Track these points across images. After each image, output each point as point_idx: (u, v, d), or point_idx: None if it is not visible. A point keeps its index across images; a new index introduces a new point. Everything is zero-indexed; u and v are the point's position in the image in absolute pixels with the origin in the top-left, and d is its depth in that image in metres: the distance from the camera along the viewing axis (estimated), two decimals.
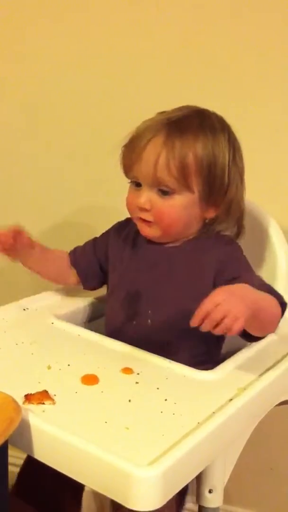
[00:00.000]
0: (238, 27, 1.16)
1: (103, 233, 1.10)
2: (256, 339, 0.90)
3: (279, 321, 0.88)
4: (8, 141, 1.44)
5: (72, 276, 1.09)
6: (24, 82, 1.38)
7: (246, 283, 0.84)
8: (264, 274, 1.04)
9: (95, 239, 1.10)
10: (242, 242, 1.01)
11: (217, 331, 0.76)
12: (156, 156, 0.90)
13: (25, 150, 1.42)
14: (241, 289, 0.81)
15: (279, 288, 1.01)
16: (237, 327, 0.75)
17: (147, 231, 0.97)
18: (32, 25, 1.34)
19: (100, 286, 1.09)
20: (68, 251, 1.11)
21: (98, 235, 1.11)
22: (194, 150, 0.90)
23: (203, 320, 0.76)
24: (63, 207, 1.41)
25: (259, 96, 1.17)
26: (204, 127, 0.93)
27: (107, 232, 1.09)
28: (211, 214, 0.96)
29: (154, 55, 1.24)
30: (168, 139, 0.90)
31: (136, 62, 1.26)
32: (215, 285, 0.91)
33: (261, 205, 1.07)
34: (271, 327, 0.88)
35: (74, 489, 1.03)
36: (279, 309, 0.87)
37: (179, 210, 0.93)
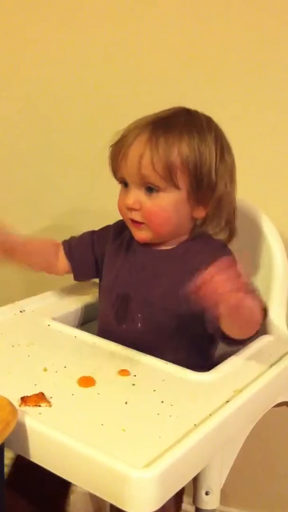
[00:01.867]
0: (236, 27, 1.17)
1: (103, 228, 1.09)
2: (236, 343, 0.90)
3: (258, 327, 0.87)
4: (8, 140, 1.44)
5: (60, 265, 1.08)
6: (24, 81, 1.39)
7: None
8: (260, 274, 1.04)
9: (94, 232, 1.09)
10: (238, 243, 1.01)
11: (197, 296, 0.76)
12: (140, 153, 0.91)
13: (24, 150, 1.42)
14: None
15: (275, 287, 1.02)
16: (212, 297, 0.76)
17: (139, 235, 0.97)
18: (32, 25, 1.35)
19: (90, 279, 1.09)
20: (60, 241, 1.10)
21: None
22: (179, 147, 0.90)
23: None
24: (61, 207, 1.41)
25: (255, 95, 1.17)
26: (189, 125, 0.93)
27: (107, 229, 1.08)
28: (200, 213, 0.96)
29: (154, 58, 1.25)
30: (152, 136, 0.91)
31: (136, 62, 1.26)
32: None
33: (256, 205, 1.07)
34: (250, 330, 0.87)
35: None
36: (258, 314, 0.86)
37: (167, 208, 0.93)
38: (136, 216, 0.95)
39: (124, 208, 0.96)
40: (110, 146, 0.96)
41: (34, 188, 1.44)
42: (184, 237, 0.98)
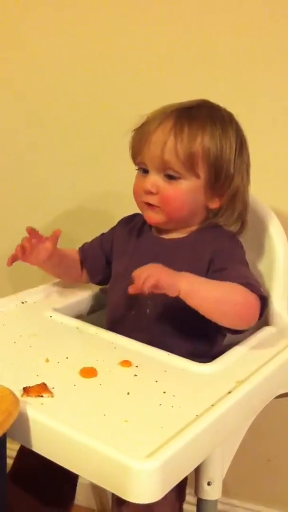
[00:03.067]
0: (239, 22, 1.16)
1: (110, 229, 1.11)
2: (238, 332, 0.91)
3: (252, 315, 0.88)
4: (8, 139, 1.43)
5: (84, 273, 1.11)
6: (24, 81, 1.38)
7: (229, 275, 0.89)
8: (262, 265, 1.04)
9: (103, 234, 1.12)
10: (240, 236, 1.01)
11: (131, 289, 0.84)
12: (165, 140, 0.92)
13: (22, 148, 1.42)
14: (176, 272, 0.86)
15: (277, 278, 1.02)
16: (146, 284, 0.83)
17: (152, 216, 0.98)
18: (32, 24, 1.34)
19: (108, 280, 1.09)
20: (77, 248, 1.12)
21: (107, 226, 1.12)
22: (202, 136, 0.92)
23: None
24: (64, 204, 1.41)
25: (264, 91, 1.16)
26: (213, 117, 0.95)
27: (114, 227, 1.11)
28: (215, 204, 0.97)
29: (155, 54, 1.23)
30: (177, 123, 0.93)
31: (136, 60, 1.25)
32: (207, 276, 0.92)
33: (260, 198, 1.07)
34: (241, 320, 0.89)
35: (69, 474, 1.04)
36: (252, 303, 0.87)
37: (185, 194, 0.94)
38: (152, 199, 0.96)
39: (140, 191, 0.97)
40: (133, 131, 0.98)
41: (33, 187, 1.43)
42: (195, 227, 0.99)
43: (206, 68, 1.19)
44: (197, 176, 0.93)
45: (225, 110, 0.98)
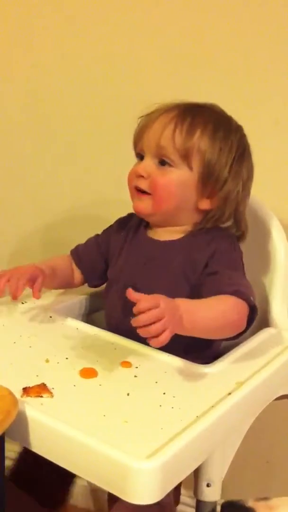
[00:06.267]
0: (239, 20, 1.16)
1: (105, 229, 1.10)
2: (231, 339, 0.91)
3: (243, 324, 0.88)
4: (8, 136, 1.43)
5: (76, 277, 1.09)
6: (24, 79, 1.38)
7: (220, 281, 0.89)
8: (262, 267, 1.04)
9: (97, 235, 1.10)
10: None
11: (142, 333, 0.77)
12: (164, 125, 0.93)
13: (24, 146, 1.42)
14: (183, 306, 0.82)
15: (278, 280, 1.01)
16: (162, 338, 0.77)
17: (139, 205, 0.97)
18: (33, 25, 1.34)
19: (105, 283, 1.08)
20: (69, 252, 1.10)
21: (97, 232, 1.11)
22: (202, 132, 0.92)
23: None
24: (62, 202, 1.41)
25: (264, 92, 1.17)
26: (219, 120, 0.95)
27: (109, 227, 1.09)
28: (205, 205, 0.96)
29: (155, 53, 1.23)
30: (180, 115, 0.93)
31: (137, 58, 1.25)
32: (200, 279, 0.92)
33: (262, 200, 1.07)
34: (232, 330, 0.88)
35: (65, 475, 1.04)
36: (241, 313, 0.87)
37: (174, 184, 0.93)
38: (142, 183, 0.95)
39: (133, 175, 0.97)
40: (138, 118, 0.98)
41: (34, 184, 1.43)
42: (189, 228, 0.98)
43: (206, 68, 1.19)
44: (190, 168, 0.93)
45: (234, 121, 0.98)
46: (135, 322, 0.77)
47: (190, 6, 1.19)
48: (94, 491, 1.45)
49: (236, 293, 0.87)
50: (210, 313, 0.86)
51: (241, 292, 0.87)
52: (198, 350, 0.95)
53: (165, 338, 0.77)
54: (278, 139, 1.17)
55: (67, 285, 1.09)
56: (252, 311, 0.88)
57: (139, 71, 1.25)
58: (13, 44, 1.38)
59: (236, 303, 0.87)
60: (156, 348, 0.88)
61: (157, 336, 0.77)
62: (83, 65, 1.31)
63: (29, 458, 1.00)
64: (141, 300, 0.78)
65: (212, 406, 0.75)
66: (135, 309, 0.78)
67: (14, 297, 0.94)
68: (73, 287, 1.10)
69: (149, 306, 0.77)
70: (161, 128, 0.93)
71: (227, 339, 0.91)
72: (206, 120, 0.94)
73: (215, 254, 0.94)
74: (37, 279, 0.96)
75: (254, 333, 0.96)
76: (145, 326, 0.77)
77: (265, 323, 1.01)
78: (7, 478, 1.01)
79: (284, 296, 1.02)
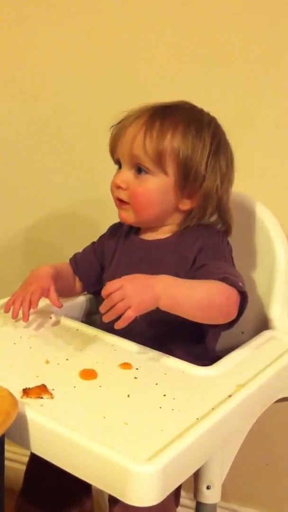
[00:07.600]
0: (240, 21, 1.16)
1: (100, 236, 1.11)
2: (223, 327, 0.91)
3: (233, 310, 0.88)
4: (7, 135, 1.43)
5: (77, 284, 1.10)
6: (24, 78, 1.38)
7: (208, 271, 0.89)
8: (262, 269, 1.04)
9: (94, 243, 1.11)
10: (241, 238, 1.01)
11: (105, 319, 0.81)
12: (135, 134, 0.93)
13: (22, 146, 1.42)
14: (152, 280, 0.84)
15: (278, 282, 1.01)
16: (125, 316, 0.80)
17: (122, 214, 0.98)
18: (32, 26, 1.34)
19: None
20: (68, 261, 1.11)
21: (95, 232, 1.11)
22: (173, 134, 0.92)
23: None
24: (61, 201, 1.41)
25: (258, 91, 1.16)
26: (189, 117, 0.95)
27: (104, 234, 1.11)
28: (186, 205, 0.96)
29: (154, 53, 1.23)
30: (149, 119, 0.93)
31: (137, 58, 1.25)
32: (190, 275, 0.92)
33: (260, 201, 1.07)
34: (221, 314, 0.88)
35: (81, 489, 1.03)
36: (231, 299, 0.87)
37: (152, 192, 0.94)
38: (122, 194, 0.96)
39: (113, 186, 0.98)
40: (111, 127, 0.98)
41: (33, 184, 1.43)
42: (175, 227, 0.99)
43: (206, 69, 1.19)
44: (165, 174, 0.93)
45: (206, 114, 0.98)
46: (101, 309, 0.80)
47: (190, 6, 1.18)
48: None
49: (224, 279, 0.87)
50: (194, 291, 0.86)
51: (229, 278, 0.88)
52: (198, 351, 0.95)
53: (127, 316, 0.80)
54: (278, 142, 1.17)
55: (69, 290, 1.09)
56: (243, 299, 0.88)
57: (139, 71, 1.25)
58: (13, 44, 1.37)
59: (224, 288, 0.87)
60: (156, 350, 0.88)
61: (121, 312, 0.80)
62: (83, 65, 1.31)
63: (36, 472, 1.00)
64: (106, 286, 0.81)
65: (213, 409, 0.75)
66: (102, 293, 0.81)
67: (24, 320, 0.95)
68: (75, 295, 1.10)
69: (111, 289, 0.80)
70: (132, 137, 0.94)
71: (219, 328, 0.91)
72: (176, 120, 0.93)
73: (202, 249, 0.95)
74: (49, 290, 0.96)
75: (254, 335, 0.96)
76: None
77: (265, 325, 1.01)
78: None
79: (284, 299, 1.02)
